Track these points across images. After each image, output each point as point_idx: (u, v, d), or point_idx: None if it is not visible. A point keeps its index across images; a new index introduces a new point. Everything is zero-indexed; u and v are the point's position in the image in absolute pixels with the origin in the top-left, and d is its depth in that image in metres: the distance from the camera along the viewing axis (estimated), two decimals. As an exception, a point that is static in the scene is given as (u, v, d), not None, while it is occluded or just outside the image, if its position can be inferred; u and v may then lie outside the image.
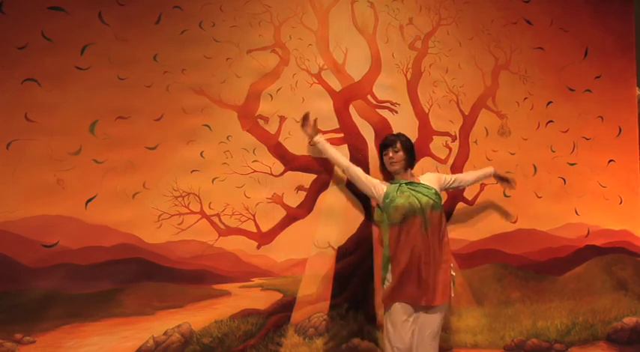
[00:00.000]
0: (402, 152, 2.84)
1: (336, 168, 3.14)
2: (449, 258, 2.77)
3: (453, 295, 2.78)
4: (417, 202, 2.71)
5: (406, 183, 2.79)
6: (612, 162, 3.80)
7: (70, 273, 2.62)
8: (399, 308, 2.68)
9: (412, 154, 2.90)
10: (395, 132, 3.25)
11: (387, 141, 2.90)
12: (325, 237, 3.13)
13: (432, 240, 2.69)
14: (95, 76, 2.72)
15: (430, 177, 2.93)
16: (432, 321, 2.71)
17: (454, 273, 2.79)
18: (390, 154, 2.85)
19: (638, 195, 3.84)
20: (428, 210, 2.70)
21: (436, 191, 2.80)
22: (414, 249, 2.66)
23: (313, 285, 3.09)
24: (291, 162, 3.09)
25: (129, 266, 2.73)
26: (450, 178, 3.00)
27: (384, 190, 2.80)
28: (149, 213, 2.79)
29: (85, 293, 2.65)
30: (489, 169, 3.22)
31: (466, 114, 3.49)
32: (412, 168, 2.92)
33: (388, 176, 2.94)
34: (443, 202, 2.88)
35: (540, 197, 3.61)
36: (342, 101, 3.22)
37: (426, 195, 2.73)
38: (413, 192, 2.75)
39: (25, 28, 2.61)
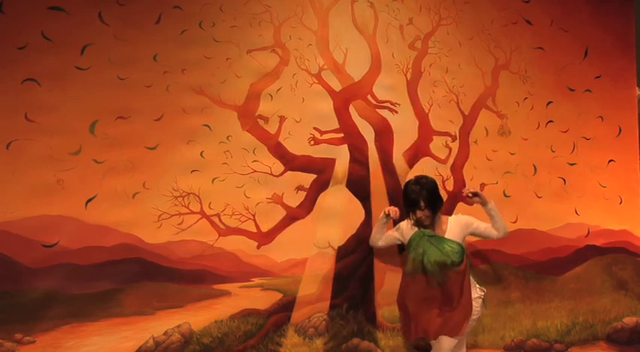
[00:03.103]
0: (427, 210, 2.65)
1: (336, 168, 3.15)
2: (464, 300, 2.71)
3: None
4: (426, 263, 2.65)
5: (429, 237, 2.69)
6: (612, 162, 3.80)
7: (70, 273, 2.62)
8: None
9: (437, 203, 2.69)
10: (394, 129, 3.28)
11: (410, 198, 2.68)
12: (325, 237, 3.13)
13: (443, 290, 2.67)
14: (95, 76, 2.72)
15: (460, 222, 2.75)
16: None
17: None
18: (418, 215, 2.67)
19: (638, 195, 3.84)
20: (437, 270, 2.64)
21: (459, 248, 2.65)
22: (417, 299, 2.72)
23: (313, 285, 3.09)
24: (291, 162, 3.09)
25: (129, 266, 2.73)
26: (482, 227, 2.75)
27: (410, 235, 2.75)
28: (149, 213, 2.79)
29: (85, 293, 2.65)
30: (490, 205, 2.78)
31: (466, 114, 3.49)
32: (440, 211, 2.75)
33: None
34: (463, 253, 2.69)
35: (540, 197, 3.61)
36: (342, 101, 3.22)
37: (444, 254, 2.62)
38: (431, 247, 2.66)
39: (25, 28, 2.61)
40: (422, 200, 2.65)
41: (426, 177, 2.77)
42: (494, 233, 2.74)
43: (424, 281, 2.68)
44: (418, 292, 2.71)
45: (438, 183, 2.83)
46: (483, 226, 2.76)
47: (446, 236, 2.70)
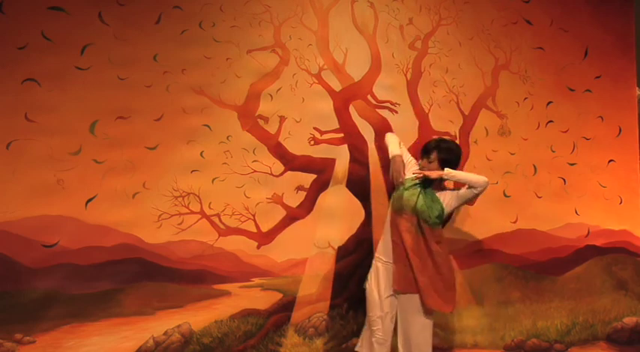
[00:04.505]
0: (435, 163, 2.71)
1: (336, 168, 3.15)
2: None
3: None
4: (412, 206, 2.67)
5: (423, 189, 2.71)
6: (612, 162, 3.80)
7: (70, 273, 2.62)
8: None
9: (449, 165, 2.68)
10: (394, 129, 3.26)
11: (426, 146, 2.77)
12: (325, 237, 3.13)
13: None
14: (95, 76, 2.72)
15: (453, 194, 2.75)
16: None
17: None
18: (423, 164, 2.75)
19: (638, 195, 3.84)
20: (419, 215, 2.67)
21: (440, 214, 2.67)
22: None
23: (313, 285, 3.09)
24: (291, 162, 3.09)
25: (129, 266, 2.73)
26: (463, 191, 2.72)
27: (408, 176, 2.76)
28: (149, 213, 2.79)
29: (85, 293, 2.65)
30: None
31: (466, 114, 3.49)
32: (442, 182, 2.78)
33: None
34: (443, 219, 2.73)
35: (540, 197, 3.61)
36: (342, 101, 3.22)
37: (430, 214, 2.65)
38: (419, 201, 2.68)
39: (25, 28, 2.61)
40: (436, 151, 2.71)
41: (456, 144, 2.84)
42: (473, 191, 2.65)
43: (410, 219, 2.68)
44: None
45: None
46: (463, 190, 2.70)
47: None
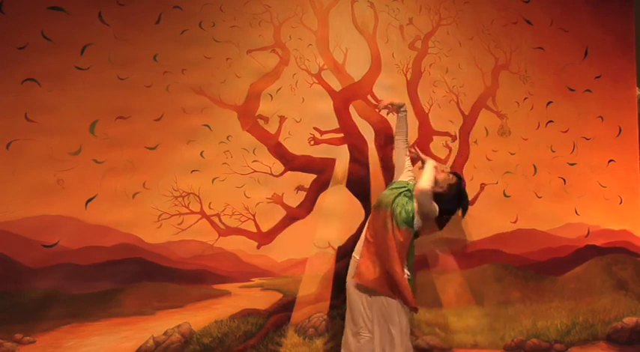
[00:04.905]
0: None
1: (336, 167, 3.15)
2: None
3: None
4: (388, 202, 2.72)
5: (407, 191, 2.78)
6: (612, 162, 3.80)
7: (70, 273, 2.62)
8: None
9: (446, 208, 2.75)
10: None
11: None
12: (325, 237, 3.13)
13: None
14: (95, 76, 2.72)
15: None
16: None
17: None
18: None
19: (638, 195, 3.84)
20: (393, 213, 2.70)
21: (407, 218, 2.68)
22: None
23: (313, 285, 3.09)
24: (291, 162, 3.09)
25: (129, 266, 2.73)
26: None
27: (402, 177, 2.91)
28: (149, 213, 2.79)
29: (85, 293, 2.65)
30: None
31: (466, 114, 3.49)
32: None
33: None
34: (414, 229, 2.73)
35: (540, 197, 3.61)
36: (342, 101, 3.22)
37: (398, 213, 2.69)
38: (397, 199, 2.73)
39: (25, 28, 2.61)
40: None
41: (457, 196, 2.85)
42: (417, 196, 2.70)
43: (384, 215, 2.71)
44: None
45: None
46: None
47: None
